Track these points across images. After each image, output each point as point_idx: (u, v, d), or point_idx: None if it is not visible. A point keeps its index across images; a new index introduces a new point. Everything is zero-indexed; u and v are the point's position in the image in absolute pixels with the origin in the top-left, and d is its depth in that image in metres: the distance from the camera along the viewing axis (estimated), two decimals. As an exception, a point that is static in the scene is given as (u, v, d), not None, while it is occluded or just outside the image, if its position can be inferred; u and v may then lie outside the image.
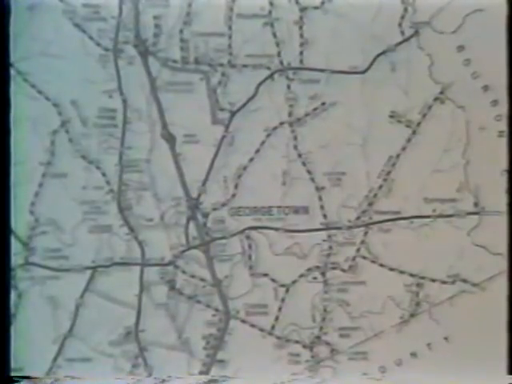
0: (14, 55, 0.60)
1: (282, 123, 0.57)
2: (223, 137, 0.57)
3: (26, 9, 0.60)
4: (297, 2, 0.56)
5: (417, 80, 0.57)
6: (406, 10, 0.57)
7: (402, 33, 0.56)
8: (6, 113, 0.58)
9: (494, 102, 0.58)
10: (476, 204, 0.57)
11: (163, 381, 0.63)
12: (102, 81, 0.56)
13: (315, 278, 0.57)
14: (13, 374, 0.60)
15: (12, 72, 0.58)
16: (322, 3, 0.56)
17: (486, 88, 0.57)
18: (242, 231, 0.57)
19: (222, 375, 0.57)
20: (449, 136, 0.57)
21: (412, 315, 0.56)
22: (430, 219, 0.57)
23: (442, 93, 0.57)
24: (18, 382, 0.64)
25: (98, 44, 0.56)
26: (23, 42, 0.60)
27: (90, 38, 0.56)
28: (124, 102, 0.57)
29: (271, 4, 0.56)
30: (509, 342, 0.62)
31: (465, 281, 0.57)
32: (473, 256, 0.57)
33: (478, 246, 0.57)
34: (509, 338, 0.61)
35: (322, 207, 0.57)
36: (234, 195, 0.57)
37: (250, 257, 0.57)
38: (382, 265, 0.57)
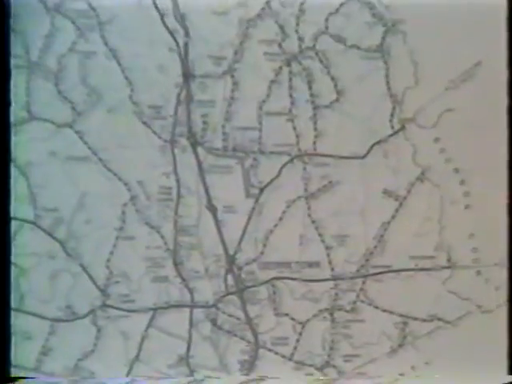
0: (95, 146, 0.66)
1: (299, 197, 0.66)
2: (254, 208, 0.66)
3: (106, 110, 0.66)
4: (312, 103, 0.66)
5: (403, 164, 0.66)
6: (394, 108, 0.66)
7: (392, 127, 0.66)
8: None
9: (462, 181, 0.66)
10: (449, 260, 0.66)
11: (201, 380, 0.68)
12: (161, 165, 0.66)
13: (325, 317, 0.66)
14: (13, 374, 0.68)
15: (95, 160, 0.66)
16: (331, 103, 0.65)
17: (456, 170, 0.66)
18: (269, 281, 0.66)
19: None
20: (427, 208, 0.66)
21: (400, 345, 0.65)
22: (414, 272, 0.66)
23: (422, 174, 0.66)
24: (17, 382, 0.69)
25: (160, 137, 0.65)
26: (103, 136, 0.66)
27: (154, 132, 0.66)
28: (178, 181, 0.66)
29: (292, 103, 0.65)
30: (509, 342, 0.68)
31: (440, 319, 0.66)
32: (447, 300, 0.66)
33: (450, 292, 0.66)
34: (509, 338, 0.69)
35: (330, 262, 0.66)
36: (262, 253, 0.66)
37: (274, 301, 0.66)
38: (376, 307, 0.66)
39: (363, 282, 0.67)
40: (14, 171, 0.67)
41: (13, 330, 0.67)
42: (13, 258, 0.67)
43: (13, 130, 0.67)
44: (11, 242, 0.68)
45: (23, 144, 0.66)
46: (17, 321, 0.66)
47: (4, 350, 0.68)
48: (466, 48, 0.66)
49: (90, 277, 0.66)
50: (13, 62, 0.66)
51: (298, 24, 0.65)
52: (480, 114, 0.66)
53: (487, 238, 0.66)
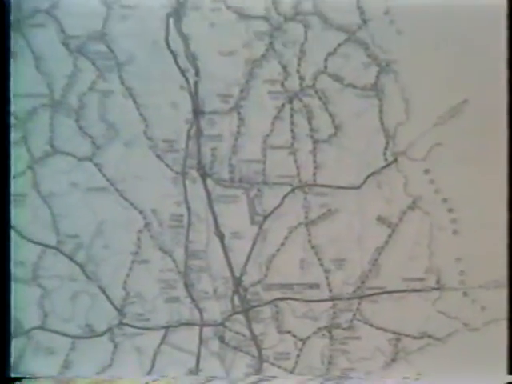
0: (113, 177, 0.69)
1: (300, 224, 0.68)
2: (258, 234, 0.69)
3: (123, 144, 0.70)
4: (311, 137, 0.68)
5: (395, 194, 0.68)
6: (387, 142, 0.68)
7: (386, 160, 0.68)
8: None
9: (450, 210, 0.68)
10: (438, 282, 0.68)
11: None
12: (173, 195, 0.69)
13: (324, 335, 0.69)
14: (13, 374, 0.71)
15: (112, 190, 0.69)
16: (329, 137, 0.68)
17: (444, 200, 0.68)
18: (272, 301, 0.69)
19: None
20: (418, 234, 0.68)
21: (393, 360, 0.68)
22: (406, 293, 0.68)
23: (413, 203, 0.68)
24: (17, 381, 0.70)
25: (172, 169, 0.69)
26: (120, 168, 0.69)
27: (166, 164, 0.69)
28: (188, 209, 0.69)
29: (293, 138, 0.68)
30: (509, 342, 0.70)
31: (430, 336, 0.68)
32: (436, 319, 0.68)
33: (439, 312, 0.68)
34: (509, 337, 0.70)
35: (328, 284, 0.68)
36: (266, 275, 0.69)
37: (277, 319, 0.69)
38: (371, 325, 0.68)
39: (359, 303, 0.69)
40: (38, 201, 0.70)
41: (37, 346, 0.69)
42: (37, 280, 0.70)
43: (37, 164, 0.70)
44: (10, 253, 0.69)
45: (47, 176, 0.70)
46: (41, 338, 0.69)
47: (4, 350, 0.70)
48: (452, 87, 0.68)
49: (108, 297, 0.69)
50: (38, 100, 0.69)
51: (299, 64, 0.68)
52: (466, 148, 0.68)
53: (473, 261, 0.68)
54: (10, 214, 0.70)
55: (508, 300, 0.69)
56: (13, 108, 0.70)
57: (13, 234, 0.70)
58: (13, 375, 0.71)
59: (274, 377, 0.70)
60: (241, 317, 0.70)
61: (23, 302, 0.70)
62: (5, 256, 0.69)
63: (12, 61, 0.70)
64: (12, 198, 0.70)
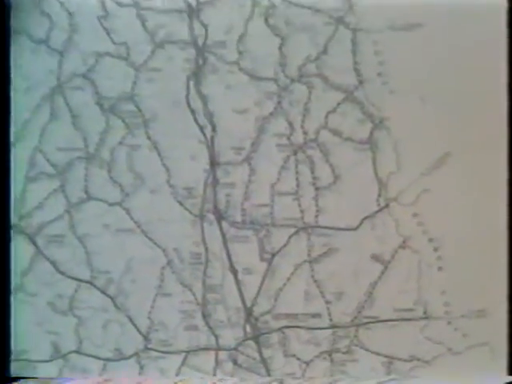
0: (140, 220, 0.72)
1: (304, 261, 0.71)
2: (267, 270, 0.71)
3: (149, 192, 0.72)
4: (314, 185, 0.71)
5: (388, 235, 0.70)
6: (380, 189, 0.70)
7: (379, 205, 0.70)
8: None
9: (435, 249, 0.70)
10: (425, 312, 0.70)
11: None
12: (192, 235, 0.72)
13: (325, 358, 0.71)
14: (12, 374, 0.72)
15: (139, 231, 0.72)
16: (329, 185, 0.70)
17: (430, 240, 0.70)
18: (280, 329, 0.71)
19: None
20: (407, 270, 0.70)
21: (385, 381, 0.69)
22: (397, 321, 0.70)
23: (403, 243, 0.70)
24: (18, 381, 0.70)
25: (191, 213, 0.71)
26: (146, 212, 0.72)
27: (186, 209, 0.71)
28: (206, 248, 0.72)
29: (297, 186, 0.70)
30: (509, 342, 0.70)
31: (419, 359, 0.70)
32: (424, 344, 0.70)
33: (426, 338, 0.70)
34: (509, 337, 0.70)
35: (329, 314, 0.71)
36: (274, 306, 0.71)
37: (284, 344, 0.71)
38: (367, 350, 0.71)
39: (356, 330, 0.71)
40: (75, 241, 0.73)
41: (73, 367, 0.72)
42: (73, 311, 0.73)
43: (74, 208, 0.73)
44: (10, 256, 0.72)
45: (82, 219, 0.73)
46: (76, 360, 0.72)
47: (4, 350, 0.71)
48: (437, 141, 0.70)
49: (135, 326, 0.72)
50: (74, 153, 0.72)
51: (303, 120, 0.71)
52: (451, 194, 0.70)
53: (456, 294, 0.70)
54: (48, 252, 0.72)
55: (508, 300, 0.70)
56: (53, 160, 0.73)
57: (53, 270, 0.73)
58: (13, 375, 0.72)
59: (282, 380, 0.71)
60: (252, 342, 0.72)
61: (61, 329, 0.73)
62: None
63: (52, 119, 0.73)
64: (49, 239, 0.73)
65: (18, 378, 0.71)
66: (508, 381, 0.68)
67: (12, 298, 0.73)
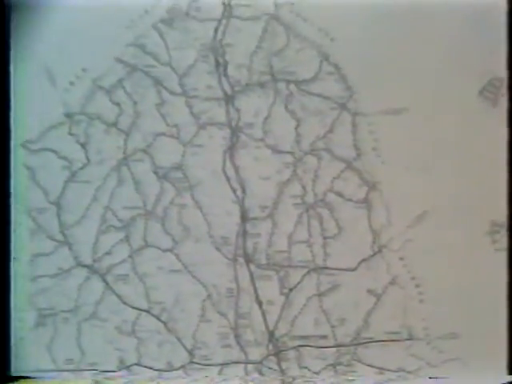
0: (187, 262, 0.79)
1: (314, 294, 0.78)
2: (285, 302, 0.78)
3: (194, 240, 0.78)
4: (322, 235, 0.78)
5: (380, 274, 0.78)
6: (374, 238, 0.77)
7: (373, 250, 0.78)
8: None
9: (417, 285, 0.78)
10: (409, 334, 0.79)
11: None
12: (227, 275, 0.79)
13: (330, 369, 0.78)
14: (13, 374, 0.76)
15: (186, 272, 0.78)
16: (335, 235, 0.78)
17: (413, 278, 0.79)
18: (295, 347, 0.80)
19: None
20: (396, 302, 0.78)
21: None
22: (388, 342, 0.79)
23: (392, 280, 0.78)
24: (18, 381, 0.71)
25: (226, 257, 0.79)
26: (191, 257, 0.79)
27: (223, 254, 0.79)
28: (237, 285, 0.78)
29: (309, 235, 0.78)
30: (509, 342, 0.74)
31: (404, 370, 0.78)
32: (408, 359, 0.79)
33: (410, 355, 0.79)
34: (509, 338, 0.75)
35: (334, 336, 0.79)
36: (290, 330, 0.79)
37: (298, 359, 0.79)
38: (363, 363, 0.79)
39: (355, 348, 0.79)
40: (136, 280, 0.80)
41: (134, 377, 0.77)
42: (135, 333, 0.80)
43: (135, 254, 0.79)
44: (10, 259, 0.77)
45: (142, 262, 0.80)
46: (137, 371, 0.79)
47: (4, 350, 0.72)
48: (418, 200, 0.78)
49: (182, 344, 0.80)
50: (136, 211, 0.80)
51: (313, 185, 0.79)
52: (430, 243, 0.78)
53: (434, 320, 0.78)
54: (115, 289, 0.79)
55: (507, 299, 0.76)
56: (119, 216, 0.80)
57: (119, 301, 0.80)
58: (13, 374, 0.76)
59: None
60: (273, 357, 0.80)
61: (126, 347, 0.80)
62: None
63: (119, 184, 0.81)
64: (117, 277, 0.81)
65: (18, 378, 0.73)
66: (508, 381, 0.73)
67: (88, 323, 0.81)
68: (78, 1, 0.78)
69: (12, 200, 0.81)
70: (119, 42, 0.81)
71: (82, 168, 0.81)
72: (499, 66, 0.78)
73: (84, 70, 0.82)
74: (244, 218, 0.80)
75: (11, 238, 0.80)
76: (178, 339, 0.81)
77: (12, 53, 0.78)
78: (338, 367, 0.79)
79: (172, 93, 0.81)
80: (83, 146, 0.82)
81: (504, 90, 0.79)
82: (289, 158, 0.81)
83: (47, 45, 0.78)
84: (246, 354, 0.80)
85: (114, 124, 0.81)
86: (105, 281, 0.81)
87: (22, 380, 0.73)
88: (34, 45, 0.78)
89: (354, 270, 0.80)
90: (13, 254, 0.80)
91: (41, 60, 0.79)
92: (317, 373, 0.79)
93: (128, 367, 0.80)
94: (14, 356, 0.77)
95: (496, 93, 0.79)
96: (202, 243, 0.81)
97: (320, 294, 0.80)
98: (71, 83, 0.81)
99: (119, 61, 0.82)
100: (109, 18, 0.81)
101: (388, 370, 0.79)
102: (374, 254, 0.80)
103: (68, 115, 0.82)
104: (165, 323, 0.81)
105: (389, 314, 0.80)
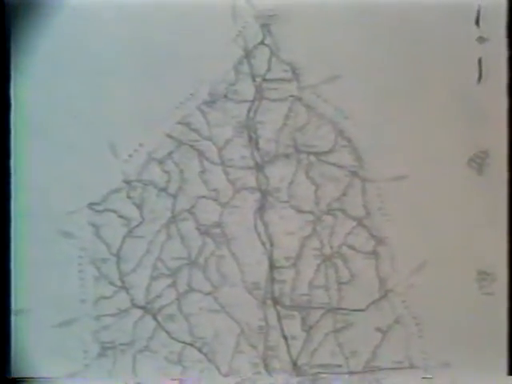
0: (223, 303, 0.88)
1: (331, 331, 0.87)
2: (306, 337, 0.87)
3: (229, 286, 0.87)
4: (337, 281, 0.86)
5: (386, 313, 0.87)
6: (380, 283, 0.85)
7: (380, 293, 0.87)
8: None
9: (417, 324, 0.87)
10: (410, 364, 0.88)
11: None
12: (257, 314, 0.88)
13: None
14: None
15: (223, 312, 0.87)
16: (348, 281, 0.86)
17: (414, 317, 0.87)
18: (315, 374, 0.88)
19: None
20: (399, 337, 0.87)
21: None
22: (393, 369, 0.88)
23: (397, 320, 0.86)
24: (18, 382, 0.71)
25: (256, 298, 0.86)
26: (227, 299, 0.88)
27: (254, 297, 0.87)
28: (266, 323, 0.86)
29: (326, 281, 0.86)
30: (509, 342, 0.80)
31: None
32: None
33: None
34: (509, 337, 0.81)
35: (347, 365, 0.88)
36: (310, 360, 0.88)
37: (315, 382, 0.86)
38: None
39: (363, 375, 0.89)
40: (181, 318, 0.88)
41: None
42: (180, 363, 0.88)
43: (181, 297, 0.87)
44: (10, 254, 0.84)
45: (186, 304, 0.88)
46: None
47: (4, 350, 0.73)
48: (418, 253, 0.86)
49: (220, 372, 0.90)
50: (182, 261, 0.87)
51: (330, 239, 0.88)
52: (427, 288, 0.86)
53: (431, 352, 0.88)
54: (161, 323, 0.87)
55: (508, 302, 0.83)
56: (168, 265, 0.88)
57: (167, 336, 0.90)
58: (13, 375, 0.80)
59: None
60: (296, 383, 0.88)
61: (173, 374, 0.88)
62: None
63: (168, 239, 0.88)
64: (166, 317, 0.89)
65: (18, 378, 0.74)
66: (508, 381, 0.78)
67: (141, 355, 0.91)
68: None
69: (81, 253, 0.90)
70: (170, 121, 0.92)
71: (137, 225, 0.91)
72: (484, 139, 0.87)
73: (141, 144, 0.92)
74: (272, 266, 0.89)
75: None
76: (217, 368, 0.89)
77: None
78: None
79: (212, 163, 0.91)
80: (139, 207, 0.91)
81: (489, 160, 0.88)
82: (309, 217, 0.90)
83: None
84: (273, 379, 0.88)
85: (164, 189, 0.91)
86: (156, 319, 0.90)
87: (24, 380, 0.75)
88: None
89: (364, 310, 0.89)
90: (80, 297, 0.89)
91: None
92: (332, 388, 0.84)
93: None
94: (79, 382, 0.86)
95: (481, 163, 0.88)
96: (236, 288, 0.90)
97: (335, 331, 0.89)
98: (130, 155, 0.92)
99: (169, 136, 0.92)
100: (159, 100, 0.92)
101: (383, 389, 0.85)
102: (381, 297, 0.89)
103: (126, 181, 0.91)
104: (205, 355, 0.89)
105: (393, 347, 0.89)
